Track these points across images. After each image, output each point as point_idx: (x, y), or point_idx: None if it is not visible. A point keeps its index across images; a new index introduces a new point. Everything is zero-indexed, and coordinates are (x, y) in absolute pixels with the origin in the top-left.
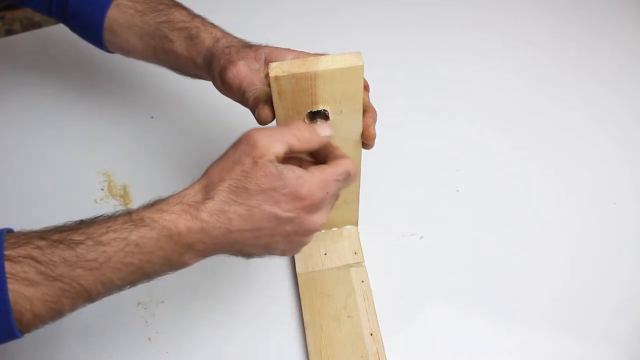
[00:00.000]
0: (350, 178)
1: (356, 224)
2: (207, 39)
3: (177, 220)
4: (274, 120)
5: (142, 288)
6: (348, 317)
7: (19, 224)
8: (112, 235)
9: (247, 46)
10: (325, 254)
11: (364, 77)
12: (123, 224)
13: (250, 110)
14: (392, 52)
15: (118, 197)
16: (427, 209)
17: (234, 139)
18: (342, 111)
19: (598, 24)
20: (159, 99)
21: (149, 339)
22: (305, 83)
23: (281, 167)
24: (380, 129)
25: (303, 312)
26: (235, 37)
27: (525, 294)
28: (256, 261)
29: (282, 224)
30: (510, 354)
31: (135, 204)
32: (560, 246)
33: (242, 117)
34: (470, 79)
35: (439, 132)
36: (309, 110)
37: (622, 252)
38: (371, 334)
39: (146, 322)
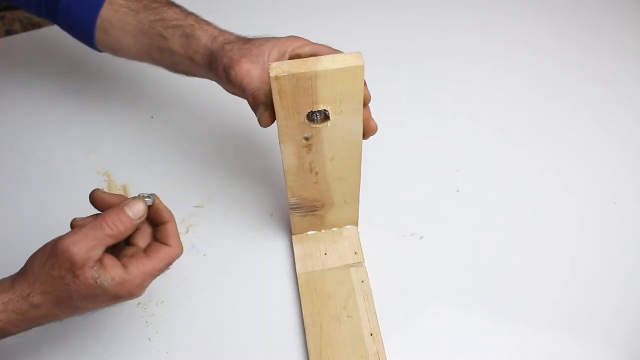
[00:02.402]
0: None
1: (356, 224)
2: (203, 36)
3: (5, 326)
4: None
5: None
6: (348, 317)
7: (19, 224)
8: None
9: (247, 41)
10: (325, 254)
11: (364, 76)
12: None
13: (252, 109)
14: (392, 53)
15: None
16: (427, 209)
17: (233, 138)
18: (342, 111)
19: (598, 24)
20: (159, 99)
21: (149, 339)
22: (305, 83)
23: (100, 278)
24: (380, 129)
25: (303, 312)
26: (232, 34)
27: (525, 294)
28: (256, 261)
29: (102, 307)
30: (510, 354)
31: None
32: (560, 246)
33: (242, 117)
34: (470, 79)
35: (439, 132)
36: (309, 110)
37: (622, 252)
38: (371, 334)
39: (146, 322)
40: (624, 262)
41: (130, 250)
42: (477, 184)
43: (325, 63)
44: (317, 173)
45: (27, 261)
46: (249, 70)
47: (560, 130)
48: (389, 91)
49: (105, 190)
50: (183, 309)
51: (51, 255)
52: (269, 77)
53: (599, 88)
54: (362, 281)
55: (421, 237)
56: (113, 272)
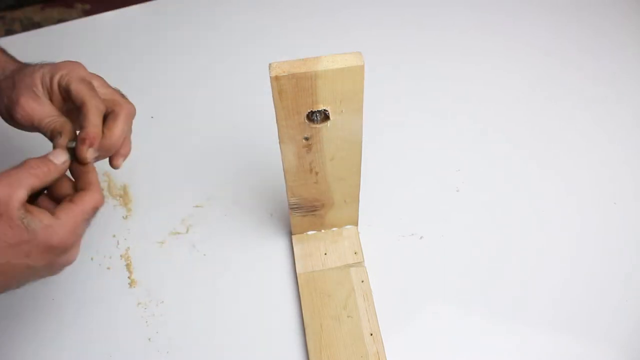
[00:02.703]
0: (98, 210)
1: (356, 224)
2: None
3: None
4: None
5: (142, 288)
6: (348, 317)
7: None
8: None
9: (22, 70)
10: (325, 254)
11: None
12: None
13: (51, 141)
14: (392, 53)
15: (118, 197)
16: (427, 209)
17: (233, 138)
18: (342, 111)
19: (598, 24)
20: (159, 99)
21: (149, 339)
22: (305, 83)
23: (28, 218)
24: (380, 129)
25: (303, 312)
26: (9, 58)
27: (525, 294)
28: (256, 261)
29: (36, 271)
30: (510, 354)
31: (135, 204)
32: (560, 246)
33: (242, 117)
34: (470, 79)
35: (439, 132)
36: (309, 110)
37: (622, 252)
38: (371, 334)
39: (146, 322)
40: (624, 262)
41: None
42: (477, 184)
43: (325, 63)
44: (317, 173)
45: None
46: (32, 106)
47: (560, 130)
48: (389, 91)
49: (105, 190)
50: (183, 309)
51: None
52: (270, 77)
53: (599, 88)
54: (362, 281)
55: (421, 237)
56: (41, 216)
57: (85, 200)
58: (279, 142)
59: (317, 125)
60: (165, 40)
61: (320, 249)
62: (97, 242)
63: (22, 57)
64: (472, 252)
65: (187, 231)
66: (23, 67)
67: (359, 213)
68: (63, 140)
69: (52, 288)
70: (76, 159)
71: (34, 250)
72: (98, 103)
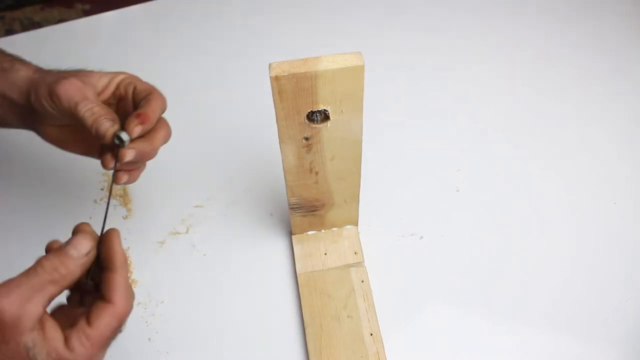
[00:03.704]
0: (124, 323)
1: (356, 224)
2: (22, 69)
3: None
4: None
5: (142, 288)
6: (348, 317)
7: (20, 224)
8: None
9: (73, 71)
10: (325, 254)
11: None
12: None
13: (91, 128)
14: (392, 53)
15: (118, 197)
16: (427, 209)
17: (233, 138)
18: (342, 111)
19: (598, 24)
20: None
21: (149, 339)
22: (305, 83)
23: (36, 350)
24: (380, 129)
25: (303, 312)
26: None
27: (525, 294)
28: (256, 261)
29: None
30: (510, 354)
31: (135, 204)
32: (560, 246)
33: (242, 117)
34: (470, 79)
35: (439, 132)
36: (309, 110)
37: (622, 252)
38: (371, 334)
39: (146, 322)
40: (624, 262)
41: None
42: (477, 184)
43: (325, 63)
44: (317, 173)
45: None
46: (80, 85)
47: (560, 130)
48: (389, 91)
49: (105, 190)
50: (183, 309)
51: None
52: (270, 77)
53: (598, 88)
54: (362, 281)
55: (421, 237)
56: (52, 345)
57: (106, 322)
58: (279, 142)
59: (317, 125)
60: (165, 40)
61: (320, 249)
62: None
63: (22, 57)
64: (472, 252)
65: (187, 231)
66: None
67: (359, 213)
68: (113, 128)
69: None
70: (116, 143)
71: None
72: (163, 103)
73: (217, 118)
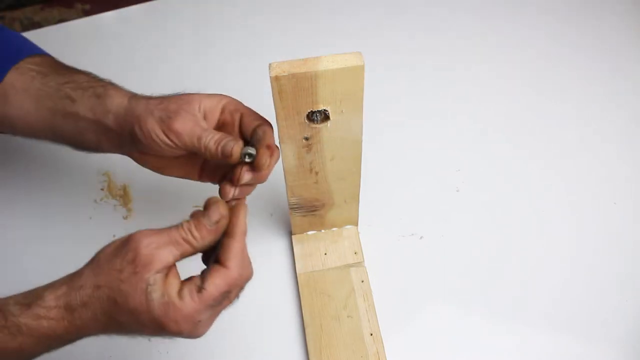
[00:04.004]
0: (241, 289)
1: (356, 224)
2: (116, 95)
3: (56, 327)
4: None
5: None
6: (348, 317)
7: (20, 224)
8: None
9: (170, 96)
10: (325, 254)
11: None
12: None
13: (216, 153)
14: (392, 53)
15: (118, 197)
16: (427, 209)
17: None
18: (342, 111)
19: (598, 24)
20: None
21: (149, 339)
22: (305, 83)
23: (155, 286)
24: (380, 129)
25: (303, 312)
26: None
27: (525, 294)
28: (256, 261)
29: (157, 335)
30: (510, 354)
31: (135, 204)
32: (560, 246)
33: None
34: (470, 79)
35: (439, 132)
36: (309, 110)
37: (622, 252)
38: (371, 334)
39: None
40: (624, 262)
41: None
42: (477, 184)
43: (325, 63)
44: (317, 173)
45: (99, 250)
46: (196, 120)
47: (560, 130)
48: (389, 91)
49: (105, 190)
50: None
51: (121, 245)
52: (270, 77)
53: (598, 88)
54: (362, 281)
55: (421, 237)
56: (168, 289)
57: (217, 284)
58: (279, 142)
59: (317, 125)
60: (165, 40)
61: (320, 249)
62: (97, 242)
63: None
64: (472, 252)
65: None
66: (165, 96)
67: (359, 213)
68: (239, 147)
69: None
70: (253, 166)
71: (148, 324)
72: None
73: None
